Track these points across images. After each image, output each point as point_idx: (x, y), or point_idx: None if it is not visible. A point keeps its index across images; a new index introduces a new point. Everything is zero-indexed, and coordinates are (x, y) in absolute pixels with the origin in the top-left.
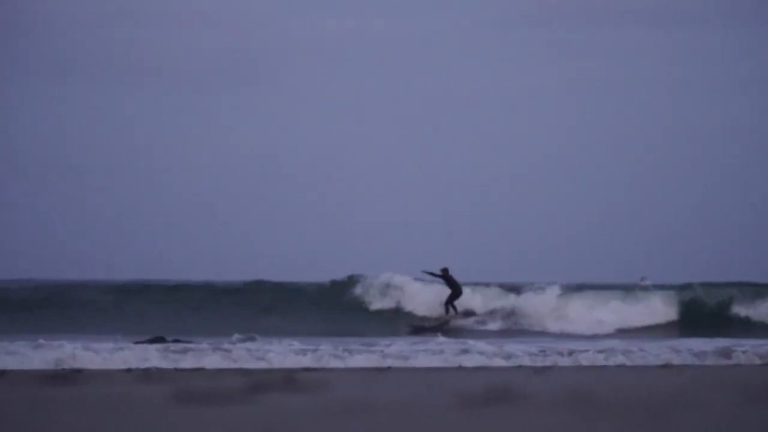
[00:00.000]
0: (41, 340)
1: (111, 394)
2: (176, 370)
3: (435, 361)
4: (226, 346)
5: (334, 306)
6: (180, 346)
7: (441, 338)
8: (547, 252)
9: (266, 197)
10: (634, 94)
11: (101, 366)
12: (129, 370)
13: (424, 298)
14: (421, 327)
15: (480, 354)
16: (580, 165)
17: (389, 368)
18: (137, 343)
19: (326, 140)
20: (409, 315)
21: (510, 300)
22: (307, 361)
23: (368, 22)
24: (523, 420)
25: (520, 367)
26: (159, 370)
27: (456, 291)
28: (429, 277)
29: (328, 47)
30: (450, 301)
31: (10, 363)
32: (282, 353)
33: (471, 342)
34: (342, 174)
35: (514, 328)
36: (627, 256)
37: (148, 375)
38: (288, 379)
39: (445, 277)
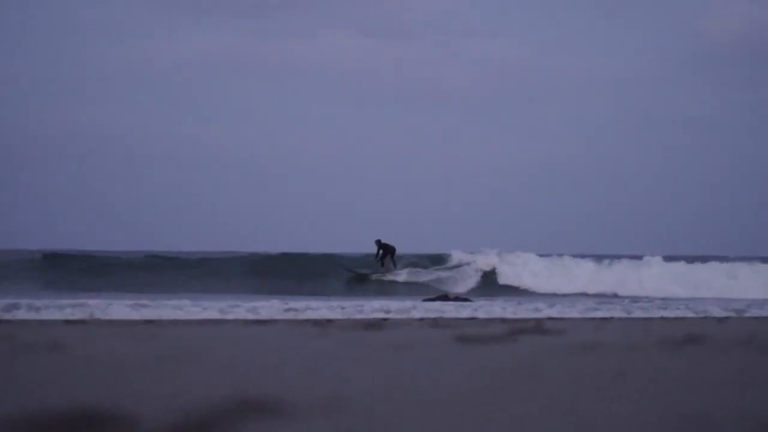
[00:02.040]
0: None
1: (408, 337)
2: (455, 319)
3: (639, 312)
4: (483, 302)
5: None
6: (459, 302)
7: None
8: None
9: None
10: None
11: (400, 317)
12: (422, 319)
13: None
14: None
15: (677, 308)
16: None
17: (612, 318)
18: (425, 300)
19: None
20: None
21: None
22: (550, 313)
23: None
24: (711, 357)
25: (706, 317)
26: (443, 319)
27: (390, 252)
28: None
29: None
30: (384, 257)
31: (337, 314)
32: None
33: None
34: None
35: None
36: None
37: (435, 323)
38: (537, 326)
39: (381, 246)
